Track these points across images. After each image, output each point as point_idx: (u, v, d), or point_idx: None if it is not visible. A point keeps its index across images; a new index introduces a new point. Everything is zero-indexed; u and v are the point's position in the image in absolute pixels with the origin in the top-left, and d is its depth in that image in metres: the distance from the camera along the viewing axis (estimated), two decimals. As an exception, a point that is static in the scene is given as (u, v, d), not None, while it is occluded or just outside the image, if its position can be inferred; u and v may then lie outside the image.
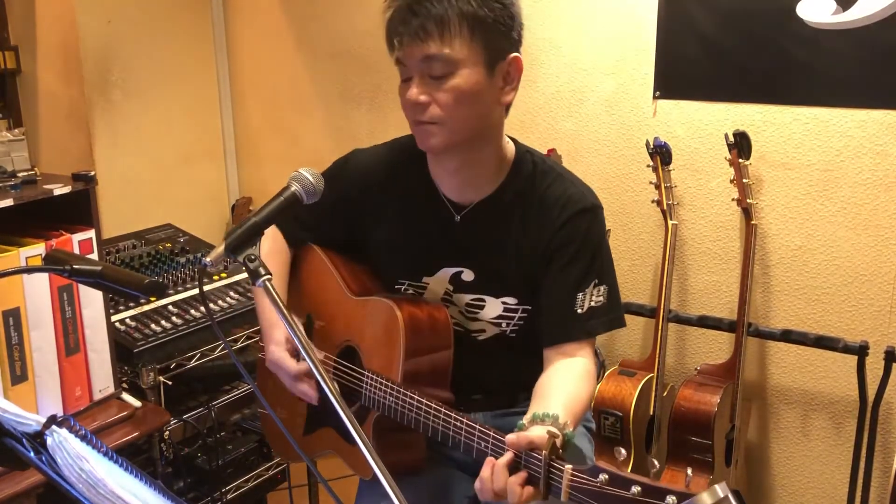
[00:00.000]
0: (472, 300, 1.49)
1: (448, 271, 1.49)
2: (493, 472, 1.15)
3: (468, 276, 1.48)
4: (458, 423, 1.27)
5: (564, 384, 1.36)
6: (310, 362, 1.01)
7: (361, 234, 1.56)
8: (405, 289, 1.54)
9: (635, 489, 0.99)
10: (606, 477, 1.02)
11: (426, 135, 1.35)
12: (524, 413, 1.43)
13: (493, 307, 1.48)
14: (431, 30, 1.28)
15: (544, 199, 1.44)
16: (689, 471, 1.08)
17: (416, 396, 1.35)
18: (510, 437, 1.15)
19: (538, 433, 1.14)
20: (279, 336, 1.49)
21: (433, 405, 1.32)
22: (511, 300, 1.47)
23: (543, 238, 1.43)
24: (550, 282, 1.44)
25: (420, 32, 1.28)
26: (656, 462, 1.06)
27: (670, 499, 0.96)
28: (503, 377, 1.56)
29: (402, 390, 1.37)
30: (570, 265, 1.42)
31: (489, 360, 1.53)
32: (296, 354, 1.47)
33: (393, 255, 1.54)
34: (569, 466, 1.07)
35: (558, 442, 1.12)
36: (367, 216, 1.54)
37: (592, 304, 1.42)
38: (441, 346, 1.46)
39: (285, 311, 1.03)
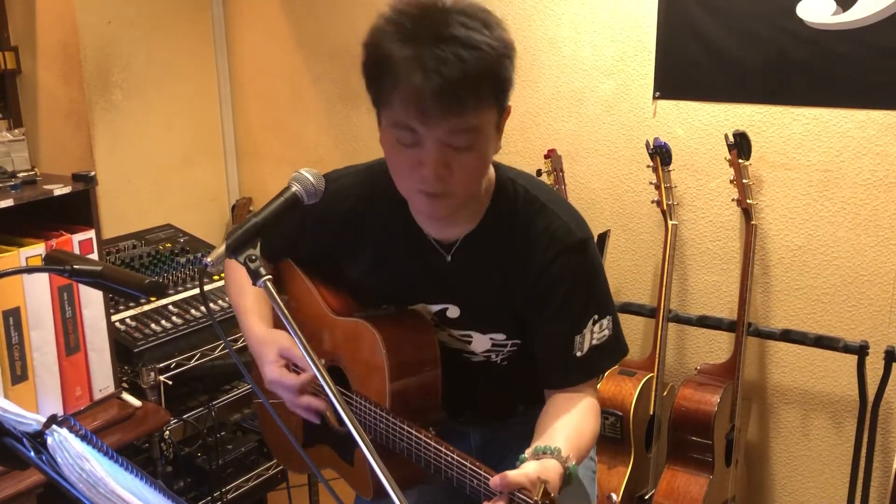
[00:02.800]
0: (459, 335, 1.43)
1: (431, 308, 1.42)
2: None
3: (454, 312, 1.41)
4: (450, 459, 1.22)
5: (568, 419, 1.29)
6: (313, 366, 0.96)
7: (339, 259, 1.49)
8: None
9: None
10: None
11: (436, 207, 1.24)
12: (522, 422, 1.41)
13: (480, 342, 1.43)
14: (466, 99, 1.12)
15: (529, 234, 1.33)
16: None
17: (406, 427, 1.30)
18: (494, 480, 1.09)
19: (530, 469, 1.09)
20: (271, 354, 1.41)
21: (423, 438, 1.27)
22: (499, 336, 1.41)
23: (530, 277, 1.33)
24: (543, 327, 1.35)
25: (454, 104, 1.11)
26: (614, 496, 1.04)
27: None
28: (499, 391, 1.51)
29: (393, 420, 1.33)
30: (562, 309, 1.33)
31: (483, 378, 1.48)
32: (293, 369, 1.41)
33: (373, 286, 1.47)
34: None
35: (554, 484, 1.08)
36: (345, 245, 1.45)
37: (595, 342, 1.34)
38: (428, 367, 1.40)
39: (285, 312, 1.02)
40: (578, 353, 1.33)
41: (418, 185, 1.22)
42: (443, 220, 1.34)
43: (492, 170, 1.36)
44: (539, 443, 1.21)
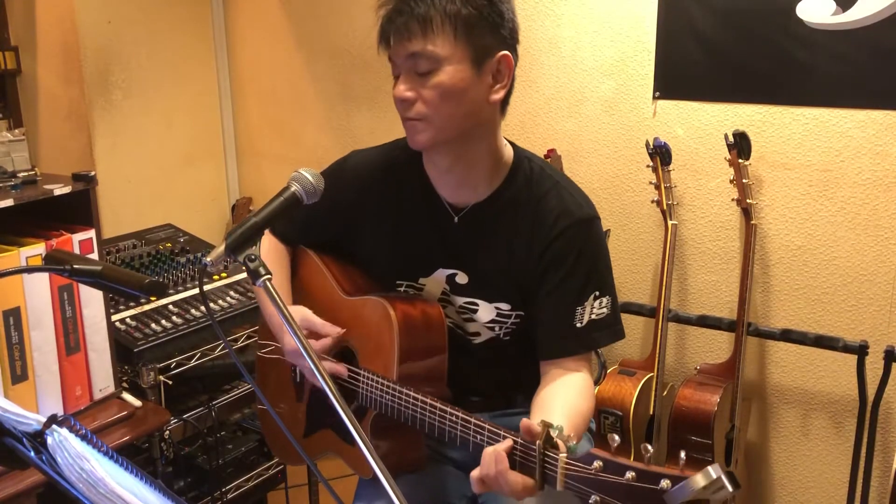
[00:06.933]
0: (465, 303, 1.49)
1: (444, 272, 1.49)
2: (495, 457, 1.14)
3: (462, 278, 1.48)
4: (454, 418, 1.28)
5: (567, 399, 1.34)
6: (310, 361, 1.01)
7: (357, 236, 1.56)
8: (403, 290, 1.53)
9: (629, 474, 0.99)
10: (601, 464, 1.03)
11: (413, 131, 1.37)
12: (522, 413, 1.43)
13: (485, 311, 1.48)
14: (414, 28, 1.31)
15: (540, 208, 1.42)
16: (683, 454, 1.07)
17: (411, 393, 1.35)
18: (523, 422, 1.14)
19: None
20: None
21: (429, 401, 1.32)
22: (504, 306, 1.47)
23: (537, 248, 1.41)
24: (547, 295, 1.42)
25: (404, 30, 1.31)
26: (650, 447, 1.05)
27: (664, 482, 0.96)
28: (500, 380, 1.56)
29: (398, 387, 1.37)
30: (567, 279, 1.40)
31: (486, 363, 1.53)
32: (314, 337, 1.48)
33: (390, 256, 1.53)
34: (563, 455, 1.08)
35: (561, 446, 1.11)
36: (364, 218, 1.53)
37: (594, 316, 1.41)
38: (436, 346, 1.45)
39: (286, 311, 1.03)
40: (578, 325, 1.40)
41: (400, 111, 1.37)
42: (425, 147, 1.40)
43: (510, 147, 1.47)
44: (543, 418, 1.23)
